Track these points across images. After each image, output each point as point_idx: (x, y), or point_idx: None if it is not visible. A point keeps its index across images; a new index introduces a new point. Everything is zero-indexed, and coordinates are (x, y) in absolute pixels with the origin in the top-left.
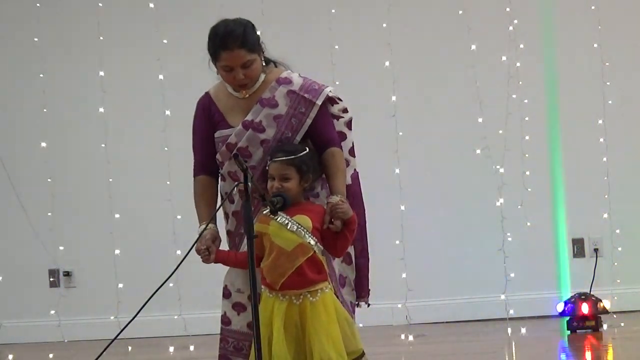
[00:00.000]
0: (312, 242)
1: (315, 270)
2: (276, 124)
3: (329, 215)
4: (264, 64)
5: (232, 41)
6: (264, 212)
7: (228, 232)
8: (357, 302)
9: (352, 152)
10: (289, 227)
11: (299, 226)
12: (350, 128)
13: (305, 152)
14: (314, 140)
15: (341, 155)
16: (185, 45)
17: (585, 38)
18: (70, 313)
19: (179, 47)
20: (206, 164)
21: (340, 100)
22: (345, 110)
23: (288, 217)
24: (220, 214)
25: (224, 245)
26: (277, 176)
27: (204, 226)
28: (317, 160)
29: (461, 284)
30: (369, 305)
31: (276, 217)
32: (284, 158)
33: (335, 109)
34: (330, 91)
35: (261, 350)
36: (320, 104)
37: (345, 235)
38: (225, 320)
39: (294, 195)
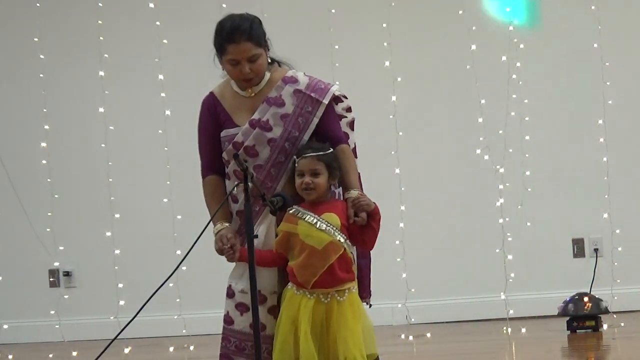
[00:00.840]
0: (342, 240)
1: (344, 268)
2: (283, 123)
3: (352, 210)
4: (269, 61)
5: (239, 34)
6: (290, 211)
7: None
8: None
9: (354, 153)
10: (318, 226)
11: (328, 224)
12: (352, 129)
13: (332, 151)
14: (322, 139)
15: (350, 152)
16: (185, 45)
17: (585, 38)
18: (70, 313)
19: (179, 47)
20: (214, 164)
21: (346, 97)
22: (348, 110)
23: (316, 215)
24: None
25: None
26: (307, 171)
27: (219, 226)
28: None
29: (461, 284)
30: (370, 305)
31: (305, 216)
32: (315, 154)
33: (339, 107)
34: (336, 89)
35: (260, 350)
36: (326, 103)
37: (372, 226)
38: (227, 320)
39: (324, 192)
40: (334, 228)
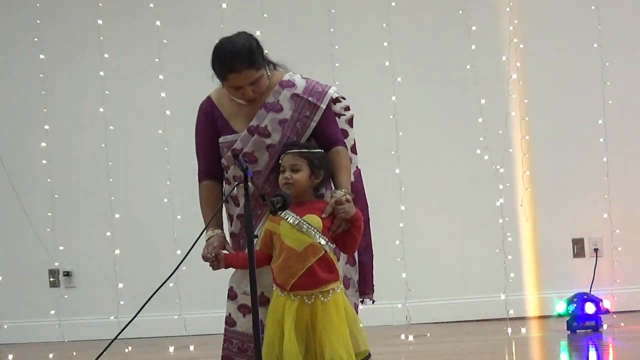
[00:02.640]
0: (323, 242)
1: (326, 269)
2: (281, 129)
3: (330, 209)
4: (268, 73)
5: (239, 63)
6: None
7: (232, 234)
8: (361, 299)
9: (354, 149)
10: (299, 227)
11: (310, 226)
12: (351, 125)
13: (320, 151)
14: (319, 140)
15: (346, 153)
16: (185, 45)
17: (585, 38)
18: (70, 313)
19: (179, 47)
20: (210, 169)
21: (344, 98)
22: (347, 109)
23: (298, 217)
24: (224, 216)
25: None
26: (287, 167)
27: (210, 232)
28: (329, 163)
29: (461, 284)
30: (373, 302)
31: (286, 217)
32: (297, 150)
33: (337, 107)
34: (333, 92)
35: (261, 350)
36: (324, 107)
37: (352, 233)
38: (229, 322)
39: (303, 190)
40: (315, 230)
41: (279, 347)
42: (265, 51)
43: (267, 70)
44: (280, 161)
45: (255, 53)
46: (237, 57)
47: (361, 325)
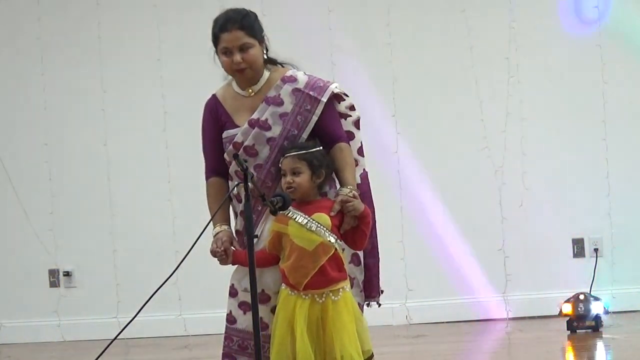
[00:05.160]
0: (333, 240)
1: (336, 268)
2: (282, 122)
3: (338, 206)
4: (266, 56)
5: (231, 23)
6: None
7: (237, 232)
8: (367, 302)
9: (360, 151)
10: (308, 227)
11: (319, 225)
12: (358, 127)
13: (318, 149)
14: (322, 137)
15: (349, 150)
16: (185, 45)
17: (584, 38)
18: (70, 313)
19: (179, 47)
20: (217, 166)
21: (347, 96)
22: (352, 108)
23: (307, 216)
24: (230, 214)
25: None
26: (288, 171)
27: (218, 228)
28: (329, 159)
29: (461, 284)
30: (379, 305)
31: (295, 217)
32: (295, 153)
33: (342, 106)
34: (335, 87)
35: (260, 350)
36: (325, 101)
37: (361, 230)
38: (230, 319)
39: (306, 191)
40: (325, 228)
41: (291, 346)
42: (266, 35)
43: (263, 47)
44: (280, 165)
45: (250, 20)
46: (230, 17)
47: (366, 325)
